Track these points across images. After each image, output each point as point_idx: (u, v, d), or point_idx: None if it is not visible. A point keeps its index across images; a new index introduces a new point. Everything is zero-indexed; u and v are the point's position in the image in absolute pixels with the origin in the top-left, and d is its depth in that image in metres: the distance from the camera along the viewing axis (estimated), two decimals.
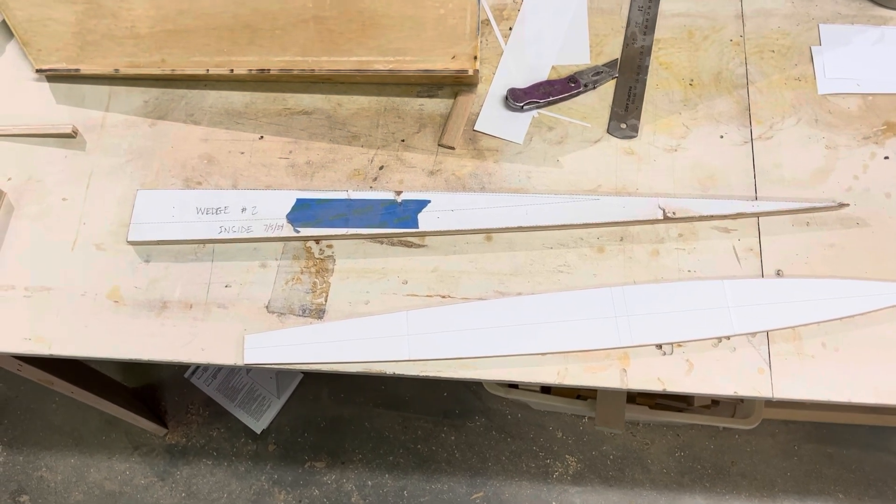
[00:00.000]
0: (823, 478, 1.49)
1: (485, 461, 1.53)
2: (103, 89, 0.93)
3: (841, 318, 0.77)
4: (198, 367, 1.62)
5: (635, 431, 1.54)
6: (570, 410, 1.48)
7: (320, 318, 0.81)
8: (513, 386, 1.35)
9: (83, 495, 1.54)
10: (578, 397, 1.34)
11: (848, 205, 0.81)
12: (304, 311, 0.81)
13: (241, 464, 1.55)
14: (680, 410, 1.33)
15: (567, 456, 1.53)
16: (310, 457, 1.55)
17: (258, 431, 1.57)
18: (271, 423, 1.58)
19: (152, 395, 1.62)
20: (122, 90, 0.93)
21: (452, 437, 1.56)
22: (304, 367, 0.79)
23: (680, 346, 0.78)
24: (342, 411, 1.59)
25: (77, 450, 1.58)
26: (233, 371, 1.61)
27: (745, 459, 1.51)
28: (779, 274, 0.80)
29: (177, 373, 1.64)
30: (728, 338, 0.78)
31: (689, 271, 0.81)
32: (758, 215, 0.82)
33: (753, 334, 0.78)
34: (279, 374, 1.61)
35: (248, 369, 1.57)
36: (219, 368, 1.62)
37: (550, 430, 1.55)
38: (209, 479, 1.54)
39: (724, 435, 1.52)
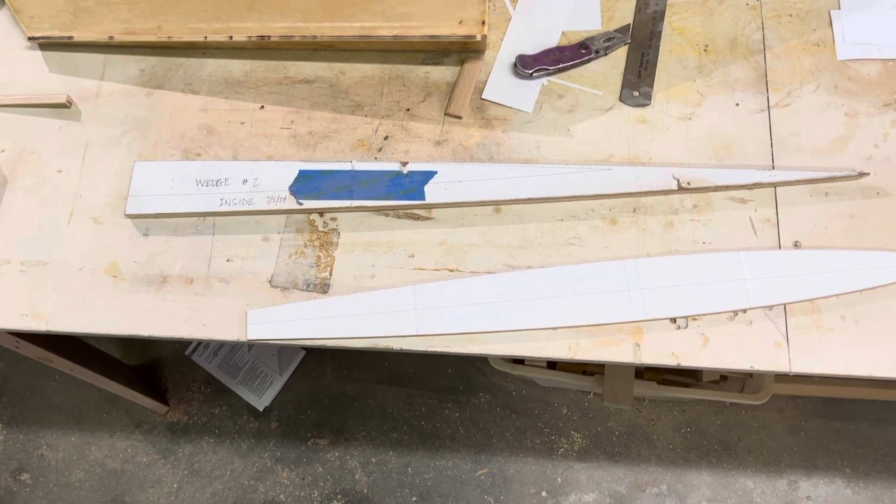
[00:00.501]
0: (831, 453, 1.48)
1: (490, 438, 1.52)
2: (98, 57, 0.90)
3: (861, 291, 0.75)
4: (198, 344, 1.61)
5: (641, 407, 1.53)
6: (576, 386, 1.47)
7: (325, 292, 0.78)
8: (518, 362, 1.33)
9: (84, 473, 1.52)
10: (585, 373, 1.33)
11: (868, 174, 0.79)
12: (307, 285, 0.79)
13: (243, 441, 1.54)
14: (688, 386, 1.31)
15: (572, 432, 1.52)
16: (313, 434, 1.54)
17: (260, 409, 1.56)
18: (274, 400, 1.57)
19: (153, 373, 1.61)
20: (117, 58, 0.90)
21: (457, 414, 1.54)
22: (309, 343, 0.77)
23: (695, 319, 0.76)
24: (345, 388, 1.57)
25: (77, 428, 1.56)
26: (234, 348, 1.60)
27: (752, 435, 1.49)
28: (796, 245, 0.78)
29: (177, 350, 1.62)
30: (744, 311, 0.75)
31: (704, 243, 0.78)
32: (775, 185, 0.80)
33: (770, 307, 0.75)
34: (281, 351, 1.59)
35: (250, 346, 1.55)
36: (220, 345, 1.60)
37: (556, 407, 1.54)
38: (211, 457, 1.53)
39: (731, 410, 1.51)
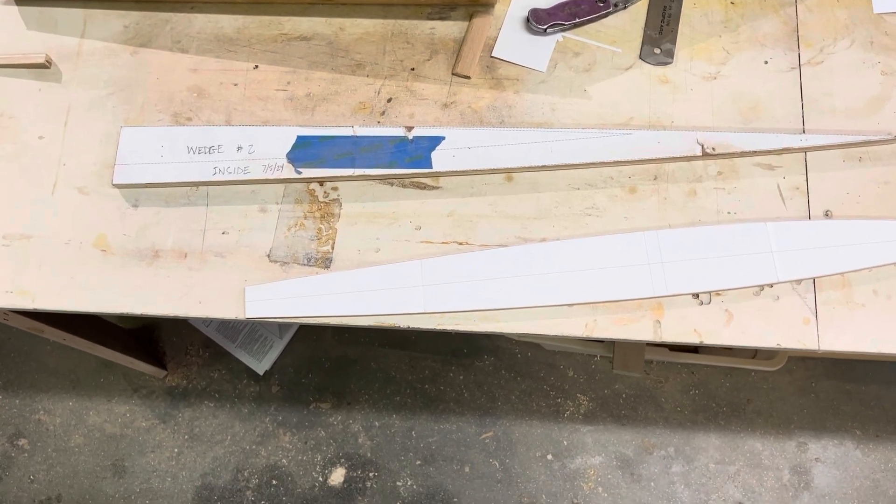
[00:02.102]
0: (841, 414, 1.46)
1: (494, 401, 1.49)
2: (77, 13, 0.83)
3: (894, 264, 0.71)
4: None
5: (649, 370, 1.50)
6: (584, 351, 1.44)
7: (327, 267, 0.74)
8: None
9: (83, 438, 1.50)
10: (599, 341, 1.29)
11: None
12: (308, 259, 0.74)
13: (244, 405, 1.51)
14: (698, 352, 1.28)
15: (578, 395, 1.49)
16: (315, 398, 1.51)
17: (261, 372, 1.53)
18: (274, 363, 1.54)
19: (149, 337, 1.57)
20: (98, 14, 0.83)
21: (461, 377, 1.52)
22: (311, 321, 0.73)
23: (719, 294, 0.71)
24: (347, 351, 1.54)
25: (74, 392, 1.53)
26: None
27: (762, 397, 1.47)
28: (827, 215, 0.73)
29: None
30: (771, 285, 0.71)
31: (728, 213, 0.74)
32: (805, 150, 0.75)
33: (799, 281, 0.71)
34: None
35: None
36: None
37: (561, 369, 1.51)
38: (212, 422, 1.50)
39: (740, 373, 1.48)
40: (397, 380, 1.52)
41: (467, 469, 1.45)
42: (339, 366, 1.53)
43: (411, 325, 0.72)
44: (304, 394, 1.52)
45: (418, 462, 1.46)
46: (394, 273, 0.73)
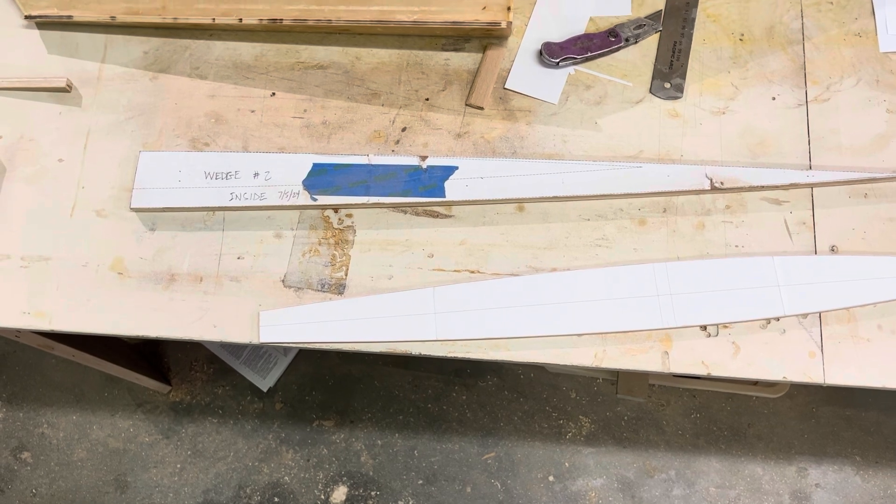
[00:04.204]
0: (841, 440, 1.46)
1: (497, 421, 1.50)
2: (99, 38, 0.85)
3: None
4: None
5: (651, 393, 1.51)
6: (586, 373, 1.45)
7: (340, 293, 0.75)
8: None
9: (86, 452, 1.51)
10: None
11: None
12: (322, 285, 0.75)
13: (247, 422, 1.52)
14: (702, 378, 1.29)
15: (580, 416, 1.50)
16: (318, 415, 1.52)
17: (265, 389, 1.54)
18: (278, 380, 1.54)
19: (154, 352, 1.58)
20: (119, 39, 0.85)
21: (464, 397, 1.52)
22: (325, 347, 0.74)
23: (726, 327, 0.73)
24: (350, 369, 1.55)
25: (78, 407, 1.54)
26: None
27: (762, 422, 1.48)
28: (833, 250, 0.74)
29: None
30: (777, 319, 0.73)
31: (736, 246, 0.75)
32: (812, 186, 0.76)
33: (805, 315, 0.72)
34: None
35: None
36: None
37: (564, 391, 1.52)
38: (215, 438, 1.51)
39: (741, 397, 1.49)
40: (400, 399, 1.53)
41: (469, 489, 1.46)
42: (343, 384, 1.54)
43: (423, 353, 0.73)
44: (308, 411, 1.52)
45: (420, 481, 1.47)
46: (406, 300, 0.74)
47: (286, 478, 1.48)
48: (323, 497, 1.47)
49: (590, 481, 1.46)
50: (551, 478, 1.46)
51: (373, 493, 1.46)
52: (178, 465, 1.49)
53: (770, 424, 1.48)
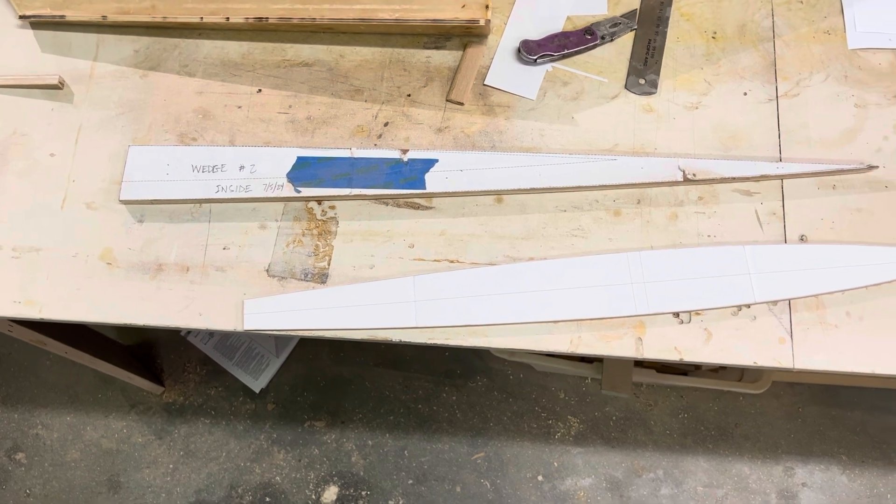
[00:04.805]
0: (827, 440, 1.48)
1: (486, 421, 1.52)
2: (91, 37, 0.88)
3: (867, 287, 0.74)
4: None
5: (638, 393, 1.52)
6: (574, 373, 1.46)
7: (323, 282, 0.77)
8: None
9: (80, 453, 1.52)
10: (583, 359, 1.32)
11: (877, 167, 0.77)
12: (305, 275, 0.77)
13: (239, 423, 1.53)
14: (686, 374, 1.31)
15: (569, 417, 1.51)
16: (309, 416, 1.53)
17: (257, 390, 1.55)
18: (270, 382, 1.56)
19: (148, 354, 1.60)
20: (110, 38, 0.87)
21: (454, 397, 1.54)
22: (307, 335, 0.76)
23: (698, 314, 0.74)
24: (342, 370, 1.57)
25: (72, 407, 1.55)
26: None
27: (749, 421, 1.49)
28: (802, 239, 0.76)
29: (173, 331, 1.60)
30: (748, 306, 0.74)
31: (708, 236, 0.77)
32: (782, 177, 0.78)
33: (775, 302, 0.74)
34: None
35: None
36: None
37: (553, 391, 1.53)
38: (207, 438, 1.52)
39: (728, 397, 1.51)
40: (391, 399, 1.54)
41: (459, 489, 1.47)
42: (334, 385, 1.56)
43: (403, 340, 0.75)
44: (299, 412, 1.54)
45: (410, 481, 1.48)
46: (387, 289, 0.76)
47: (277, 478, 1.49)
48: (314, 497, 1.48)
49: (578, 481, 1.47)
50: (540, 477, 1.47)
51: (363, 493, 1.47)
52: (171, 466, 1.51)
53: (757, 424, 1.49)
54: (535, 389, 1.54)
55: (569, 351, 0.74)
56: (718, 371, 1.31)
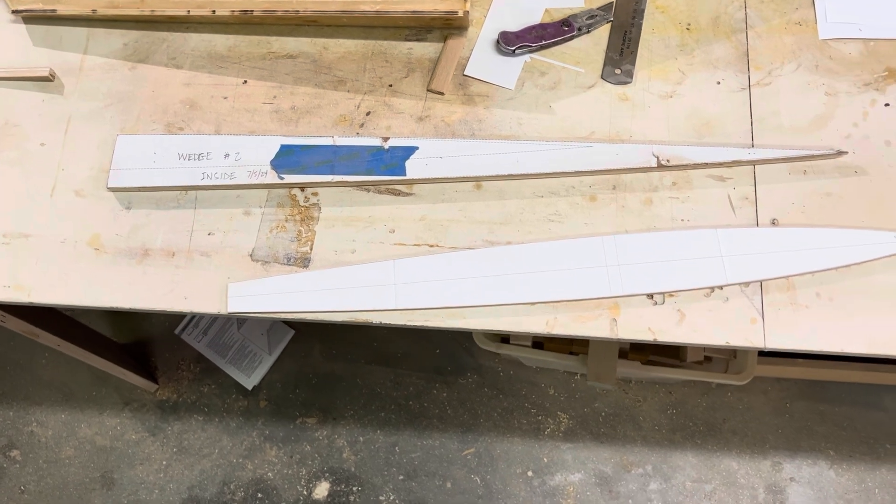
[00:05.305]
0: (815, 435, 1.49)
1: (476, 417, 1.53)
2: (81, 31, 0.90)
3: (836, 268, 0.76)
4: (188, 323, 1.61)
5: (627, 389, 1.54)
6: (561, 366, 1.48)
7: (305, 266, 0.79)
8: (504, 341, 1.34)
9: (74, 450, 1.53)
10: (571, 353, 1.34)
11: (847, 152, 0.79)
12: (288, 259, 0.79)
13: (232, 420, 1.55)
14: (671, 366, 1.32)
15: (559, 413, 1.53)
16: (301, 413, 1.55)
17: (249, 388, 1.57)
18: (262, 379, 1.58)
19: (142, 352, 1.61)
20: (100, 32, 0.90)
21: (444, 394, 1.55)
22: (289, 317, 0.77)
23: (672, 296, 0.76)
24: (334, 368, 1.58)
25: (67, 405, 1.57)
26: (223, 328, 1.60)
27: (737, 417, 1.51)
28: (774, 223, 0.78)
29: (167, 329, 1.62)
30: (721, 287, 0.76)
31: (682, 220, 0.79)
32: (754, 163, 0.80)
33: (747, 284, 0.76)
34: (270, 331, 1.60)
35: (240, 325, 1.56)
36: (209, 325, 1.60)
37: (543, 387, 1.55)
38: (200, 435, 1.54)
39: (717, 392, 1.52)
40: (382, 396, 1.56)
41: (449, 485, 1.48)
42: (326, 382, 1.57)
43: (383, 322, 0.77)
44: (291, 409, 1.55)
45: (401, 477, 1.49)
46: (368, 272, 0.78)
47: (270, 474, 1.50)
48: (305, 493, 1.49)
49: (568, 476, 1.48)
50: (530, 473, 1.49)
51: (354, 489, 1.49)
52: (164, 462, 1.52)
53: (745, 419, 1.50)
54: (525, 386, 1.55)
55: (545, 332, 0.76)
56: (703, 363, 1.33)
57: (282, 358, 1.60)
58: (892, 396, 1.50)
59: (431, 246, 0.79)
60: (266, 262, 0.79)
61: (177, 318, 1.63)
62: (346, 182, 0.81)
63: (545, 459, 1.49)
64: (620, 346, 1.28)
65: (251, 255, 0.79)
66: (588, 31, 0.87)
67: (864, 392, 1.51)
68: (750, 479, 1.46)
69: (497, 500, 1.47)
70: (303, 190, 0.82)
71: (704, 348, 1.31)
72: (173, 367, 1.60)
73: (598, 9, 0.87)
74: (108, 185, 0.81)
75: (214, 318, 1.61)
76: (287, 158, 0.81)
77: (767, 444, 1.48)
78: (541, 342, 1.36)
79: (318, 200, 0.81)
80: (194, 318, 1.62)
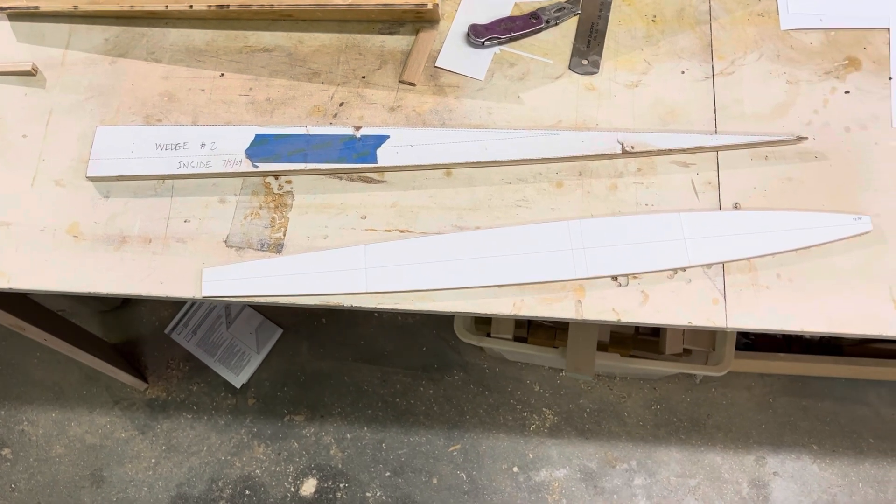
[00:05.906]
0: (798, 430, 1.50)
1: (462, 414, 1.54)
2: (63, 27, 0.92)
3: (796, 250, 0.77)
4: (178, 322, 1.63)
5: (612, 385, 1.55)
6: (543, 361, 1.49)
7: (279, 252, 0.81)
8: (486, 335, 1.36)
9: (64, 448, 1.55)
10: (554, 346, 1.35)
11: (807, 138, 0.81)
12: (262, 245, 0.81)
13: (220, 417, 1.56)
14: (652, 357, 1.33)
15: (544, 409, 1.54)
16: (289, 410, 1.56)
17: (238, 386, 1.58)
18: (251, 377, 1.59)
19: (132, 351, 1.63)
20: (82, 28, 0.92)
21: (431, 391, 1.57)
22: (262, 301, 0.79)
23: (636, 277, 0.78)
24: (321, 365, 1.60)
25: (58, 404, 1.59)
26: (213, 327, 1.62)
27: (721, 412, 1.52)
28: (736, 207, 0.80)
29: (157, 328, 1.64)
30: (684, 269, 0.78)
31: (647, 205, 0.81)
32: (717, 149, 0.82)
33: (709, 266, 0.78)
34: (259, 330, 1.62)
35: (229, 324, 1.58)
36: (199, 324, 1.62)
37: (528, 384, 1.56)
38: (189, 433, 1.55)
39: (701, 388, 1.53)
40: (369, 393, 1.57)
41: (435, 481, 1.49)
42: (314, 380, 1.59)
43: (354, 305, 0.78)
44: (279, 406, 1.57)
45: (388, 473, 1.50)
46: (339, 257, 0.80)
47: (257, 471, 1.52)
48: (293, 490, 1.50)
49: (553, 472, 1.49)
50: (515, 469, 1.50)
51: (341, 486, 1.50)
52: (153, 460, 1.53)
53: (728, 415, 1.52)
54: (511, 382, 1.56)
55: (512, 313, 0.77)
56: (682, 356, 1.34)
57: (270, 356, 1.61)
58: (875, 391, 1.51)
59: (402, 231, 0.81)
60: (240, 248, 0.81)
61: (167, 317, 1.65)
62: (319, 170, 0.83)
63: (530, 455, 1.50)
64: (600, 338, 1.30)
65: (226, 242, 0.81)
66: (556, 24, 0.89)
67: (847, 387, 1.52)
68: (734, 474, 1.47)
69: (483, 495, 1.48)
70: (277, 178, 0.84)
71: (683, 340, 1.32)
72: (163, 365, 1.62)
73: (565, 1, 0.90)
74: (87, 175, 0.83)
75: (204, 318, 1.63)
76: (261, 147, 0.83)
77: (751, 440, 1.49)
78: (524, 337, 1.38)
79: (291, 188, 0.83)
80: (184, 318, 1.64)
